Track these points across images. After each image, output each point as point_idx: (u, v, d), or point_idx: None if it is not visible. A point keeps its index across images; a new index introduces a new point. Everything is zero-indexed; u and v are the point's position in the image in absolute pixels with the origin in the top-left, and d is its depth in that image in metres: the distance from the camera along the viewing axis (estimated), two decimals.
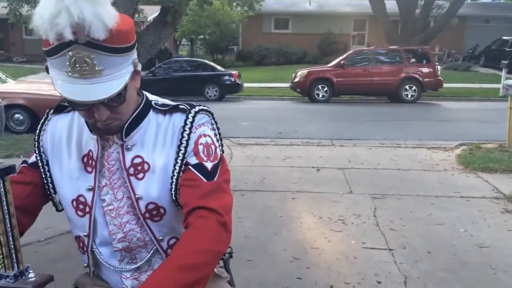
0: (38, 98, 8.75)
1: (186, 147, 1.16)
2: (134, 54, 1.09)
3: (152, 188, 1.17)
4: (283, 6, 26.53)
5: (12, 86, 9.61)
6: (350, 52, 15.59)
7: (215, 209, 1.07)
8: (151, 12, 19.06)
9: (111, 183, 1.20)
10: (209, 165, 1.15)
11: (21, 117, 8.66)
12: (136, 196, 1.17)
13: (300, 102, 14.07)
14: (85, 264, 1.29)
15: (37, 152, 1.26)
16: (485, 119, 10.22)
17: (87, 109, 1.08)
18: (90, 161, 1.20)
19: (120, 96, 1.08)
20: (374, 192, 4.83)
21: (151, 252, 1.23)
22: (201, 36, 26.08)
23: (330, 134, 8.49)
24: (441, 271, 3.10)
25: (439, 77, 13.95)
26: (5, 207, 0.92)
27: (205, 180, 1.12)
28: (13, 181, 1.10)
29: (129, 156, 1.18)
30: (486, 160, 6.00)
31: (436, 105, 13.54)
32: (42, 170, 1.25)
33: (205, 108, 1.23)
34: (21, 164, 1.28)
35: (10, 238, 0.93)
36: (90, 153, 1.20)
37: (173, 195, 1.17)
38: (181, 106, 1.22)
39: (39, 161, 1.25)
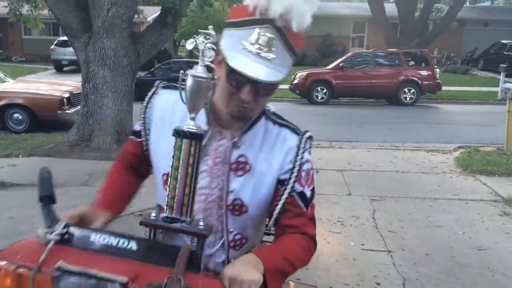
0: (37, 98, 8.75)
1: (296, 174, 1.26)
2: (291, 63, 1.18)
3: (246, 187, 1.25)
4: None
5: (11, 85, 9.61)
6: (349, 54, 15.61)
7: (313, 237, 1.31)
8: (151, 13, 19.10)
9: (211, 172, 1.25)
10: (308, 192, 1.28)
11: (20, 117, 8.66)
12: (229, 190, 1.25)
13: (299, 103, 14.09)
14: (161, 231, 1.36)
15: (142, 122, 1.33)
16: (483, 122, 10.25)
17: (239, 85, 1.13)
18: None
19: (271, 88, 1.16)
20: (373, 194, 4.85)
21: (217, 240, 1.29)
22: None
23: (329, 136, 8.51)
24: (440, 273, 3.12)
25: (438, 80, 13.98)
26: (195, 165, 1.09)
27: (305, 210, 1.28)
28: (127, 151, 1.40)
29: (236, 153, 1.25)
30: (485, 163, 6.02)
31: (435, 108, 13.57)
32: (144, 139, 1.33)
33: (311, 134, 1.33)
34: (131, 135, 1.41)
35: (192, 191, 1.10)
36: None
37: (273, 206, 1.27)
38: (291, 126, 1.31)
39: (142, 130, 1.33)
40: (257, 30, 1.09)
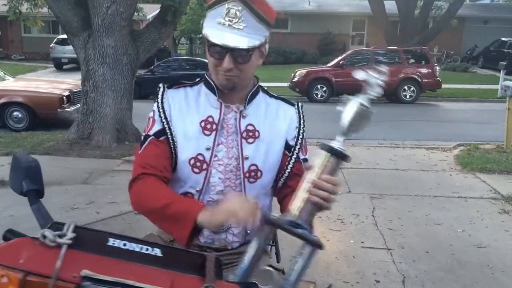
0: (37, 96, 8.75)
1: (301, 142, 1.46)
2: (267, 33, 1.34)
3: (258, 153, 1.41)
4: (282, 5, 26.49)
5: (11, 84, 9.60)
6: (349, 52, 15.61)
7: None
8: (151, 11, 19.06)
9: (226, 143, 1.40)
10: (307, 159, 1.47)
11: (20, 115, 8.65)
12: (244, 156, 1.39)
13: (299, 101, 14.08)
14: None
15: (163, 117, 1.40)
16: (483, 120, 10.25)
17: (220, 57, 1.30)
18: (209, 125, 1.40)
19: (247, 54, 1.30)
20: (373, 192, 4.85)
21: None
22: (200, 35, 26.08)
23: (329, 133, 8.46)
24: (439, 271, 3.12)
25: (438, 78, 13.98)
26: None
27: None
28: (151, 157, 1.37)
29: (244, 122, 1.42)
30: (484, 161, 6.03)
31: (435, 106, 13.57)
32: (168, 132, 1.39)
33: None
34: (148, 138, 1.41)
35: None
36: (209, 118, 1.40)
37: (282, 170, 1.44)
38: (285, 99, 1.53)
39: (165, 124, 1.40)
40: (226, 5, 1.27)
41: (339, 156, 1.13)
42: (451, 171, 5.81)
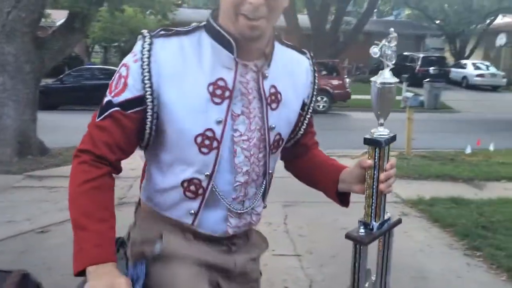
0: None
1: (315, 99, 1.27)
2: None
3: (282, 119, 1.18)
4: (200, 15, 26.51)
5: None
6: None
7: None
8: (60, 17, 18.14)
9: (249, 112, 1.12)
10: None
11: None
12: (269, 126, 1.15)
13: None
14: (192, 211, 1.15)
15: (146, 83, 1.05)
16: (388, 129, 10.94)
17: None
18: (220, 91, 1.08)
19: None
20: (286, 200, 4.96)
21: (259, 188, 1.22)
22: (116, 43, 25.26)
23: None
24: (345, 274, 3.25)
25: (348, 89, 14.76)
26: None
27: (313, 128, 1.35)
28: (106, 133, 1.06)
29: (266, 85, 1.14)
30: None
31: (345, 116, 14.29)
32: (150, 104, 1.06)
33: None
34: (111, 109, 1.06)
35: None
36: (220, 82, 1.08)
37: (295, 131, 1.27)
38: (294, 46, 1.27)
39: (147, 92, 1.05)
40: None
41: (387, 142, 1.13)
42: None
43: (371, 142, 1.12)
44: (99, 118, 1.07)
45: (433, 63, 22.49)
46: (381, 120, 1.13)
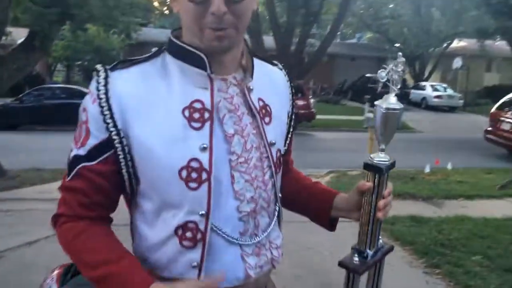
0: None
1: (294, 106, 1.18)
2: None
3: (278, 133, 1.09)
4: (165, 35, 26.48)
5: None
6: None
7: None
8: (21, 35, 17.71)
9: (242, 130, 1.00)
10: None
11: None
12: (269, 142, 1.04)
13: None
14: (194, 263, 0.97)
15: (108, 123, 0.93)
16: (352, 148, 11.17)
17: (204, 0, 0.90)
18: (197, 114, 0.95)
19: None
20: None
21: (271, 216, 1.09)
22: (79, 62, 24.87)
23: None
24: None
25: (312, 110, 14.99)
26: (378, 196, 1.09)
27: None
28: (89, 184, 0.95)
29: (254, 97, 1.04)
30: (351, 186, 6.50)
31: (310, 135, 14.48)
32: (119, 146, 0.94)
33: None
34: (78, 165, 0.95)
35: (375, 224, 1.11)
36: (196, 104, 0.95)
37: (285, 147, 1.18)
38: (263, 57, 1.17)
39: (113, 135, 0.93)
40: None
41: (388, 169, 1.09)
42: None
43: (372, 168, 1.08)
44: (68, 178, 0.97)
45: None
46: (382, 146, 1.10)
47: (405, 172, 7.91)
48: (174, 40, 1.00)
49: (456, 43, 27.85)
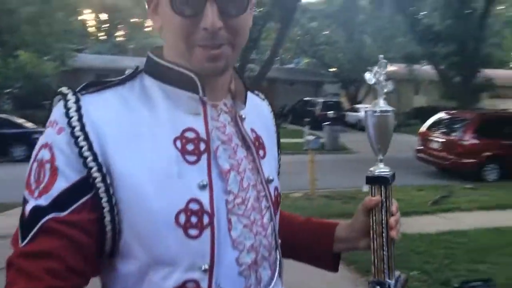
0: None
1: (279, 142, 1.05)
2: None
3: (273, 169, 0.95)
4: (102, 61, 25.99)
5: None
6: None
7: None
8: None
9: (238, 165, 0.84)
10: None
11: None
12: (267, 178, 0.89)
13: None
14: None
15: (86, 156, 0.72)
16: (293, 170, 11.32)
17: (197, 8, 0.74)
18: (191, 145, 0.78)
19: (243, 1, 0.78)
20: None
21: (273, 266, 0.91)
22: (9, 90, 23.65)
23: None
24: None
25: None
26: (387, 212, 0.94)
27: None
28: (58, 246, 0.70)
29: (247, 128, 0.89)
30: (294, 209, 6.62)
31: None
32: (102, 186, 0.72)
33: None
34: (43, 218, 0.70)
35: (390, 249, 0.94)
36: (188, 134, 0.79)
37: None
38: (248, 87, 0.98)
39: (93, 171, 0.72)
40: None
41: (393, 179, 0.98)
42: None
43: (376, 181, 0.96)
44: (25, 241, 0.71)
45: (331, 108, 24.07)
46: (380, 156, 1.00)
47: (345, 192, 8.16)
48: (157, 59, 0.83)
49: (387, 68, 29.42)
